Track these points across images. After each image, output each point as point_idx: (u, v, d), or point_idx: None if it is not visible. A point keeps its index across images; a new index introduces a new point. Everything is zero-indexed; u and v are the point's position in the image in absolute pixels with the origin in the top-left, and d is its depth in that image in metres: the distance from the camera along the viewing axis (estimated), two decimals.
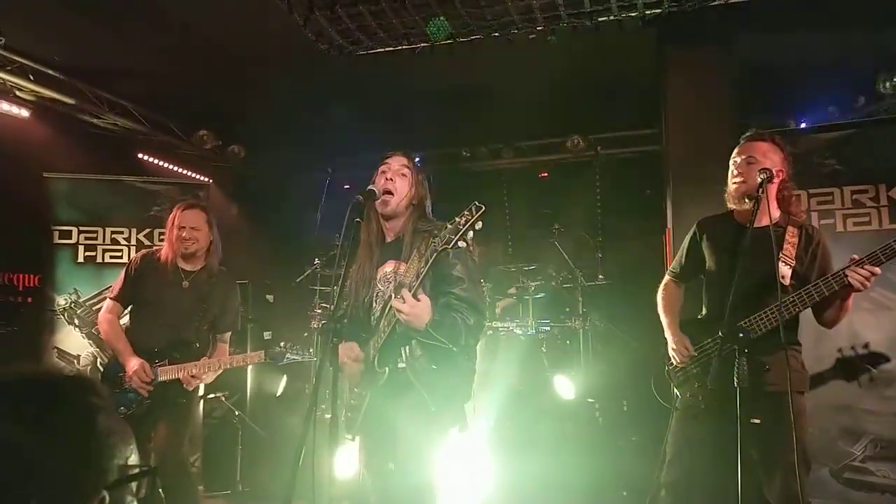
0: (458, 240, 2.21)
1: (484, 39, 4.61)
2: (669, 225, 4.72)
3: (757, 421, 2.61)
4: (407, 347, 2.49)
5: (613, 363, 5.50)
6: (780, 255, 2.76)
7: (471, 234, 2.22)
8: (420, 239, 2.56)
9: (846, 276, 2.58)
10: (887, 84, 4.92)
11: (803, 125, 5.43)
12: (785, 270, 2.74)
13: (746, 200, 2.84)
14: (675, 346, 2.94)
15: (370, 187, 2.58)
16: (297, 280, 5.84)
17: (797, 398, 2.73)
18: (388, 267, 2.63)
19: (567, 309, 5.88)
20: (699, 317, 3.06)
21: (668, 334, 3.02)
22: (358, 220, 2.44)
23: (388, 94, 5.71)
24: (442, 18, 4.32)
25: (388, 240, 2.70)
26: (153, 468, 0.91)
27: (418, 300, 2.33)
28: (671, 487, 2.86)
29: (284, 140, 6.77)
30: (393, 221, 2.67)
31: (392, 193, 2.60)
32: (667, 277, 3.22)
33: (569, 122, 6.33)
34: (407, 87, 5.55)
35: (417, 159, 2.79)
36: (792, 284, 2.76)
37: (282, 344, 3.71)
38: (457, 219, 2.25)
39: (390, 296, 2.52)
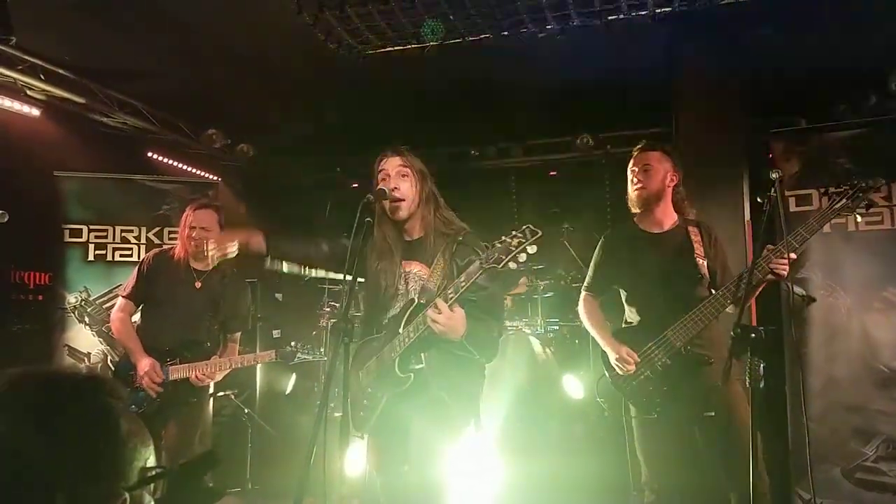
0: (509, 261, 2.16)
1: (493, 38, 4.60)
2: None
3: (712, 414, 2.78)
4: (425, 352, 2.46)
5: None
6: (695, 253, 2.98)
7: (523, 256, 2.17)
8: (443, 242, 2.53)
9: (771, 266, 2.76)
10: None
11: (815, 124, 5.39)
12: (703, 268, 2.96)
13: (649, 205, 3.08)
14: (618, 357, 2.99)
15: (380, 186, 2.57)
16: (306, 278, 5.84)
17: (738, 388, 2.86)
18: (410, 268, 2.60)
19: (577, 308, 5.85)
20: (626, 325, 3.15)
21: (605, 346, 3.08)
22: (369, 219, 2.43)
23: (396, 93, 5.70)
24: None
25: (408, 238, 2.65)
26: (170, 469, 0.90)
27: (453, 312, 2.29)
28: (653, 490, 2.97)
29: (293, 139, 6.78)
30: (410, 221, 2.63)
31: (402, 199, 2.57)
32: (583, 294, 3.31)
33: (578, 120, 6.31)
34: (415, 86, 5.54)
35: (407, 149, 2.68)
36: (710, 280, 2.96)
37: (292, 343, 3.72)
38: (507, 238, 2.18)
39: (413, 299, 2.50)
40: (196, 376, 3.43)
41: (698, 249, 2.99)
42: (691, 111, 4.67)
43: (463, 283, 2.28)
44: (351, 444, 2.80)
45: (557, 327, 5.81)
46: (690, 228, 3.06)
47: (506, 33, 4.56)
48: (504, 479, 4.32)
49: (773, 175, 2.80)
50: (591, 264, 3.29)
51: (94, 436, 0.90)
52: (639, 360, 2.94)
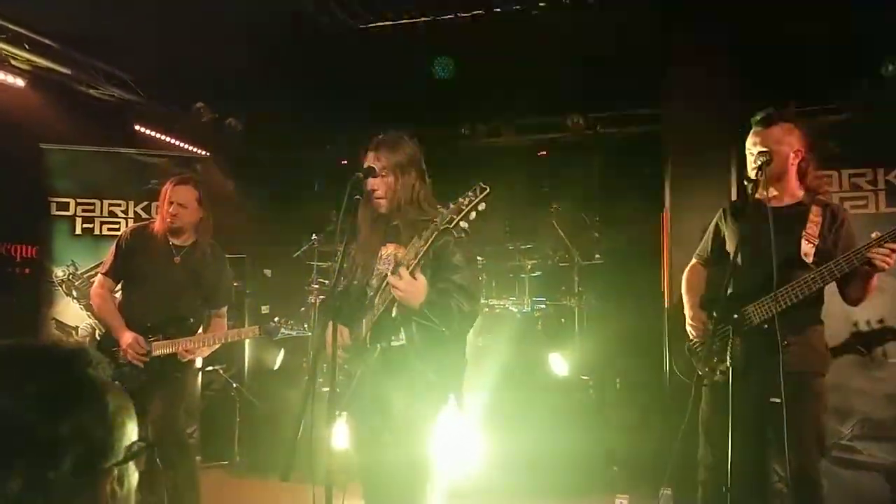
0: (461, 220, 2.18)
1: (485, 15, 4.57)
2: (667, 205, 4.73)
3: (777, 400, 2.64)
4: (403, 328, 2.48)
5: (607, 341, 5.54)
6: (804, 233, 2.78)
7: (473, 214, 2.18)
8: (423, 226, 2.55)
9: (867, 254, 2.58)
10: (890, 67, 4.87)
11: (805, 108, 5.40)
12: (808, 248, 2.76)
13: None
14: (692, 322, 2.99)
15: (368, 165, 2.57)
16: (296, 254, 5.84)
17: (818, 379, 2.80)
18: (388, 250, 2.62)
19: (563, 287, 5.91)
20: (724, 294, 2.98)
21: (686, 310, 3.05)
22: (358, 196, 2.43)
23: (387, 70, 5.65)
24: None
25: (386, 218, 2.64)
26: (152, 443, 0.92)
27: (415, 279, 2.32)
28: (707, 467, 2.92)
29: (283, 114, 6.72)
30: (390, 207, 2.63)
31: (382, 198, 2.56)
32: (693, 261, 3.22)
33: (569, 100, 6.29)
34: (406, 63, 5.50)
35: (382, 143, 2.63)
36: (815, 262, 2.75)
37: (276, 319, 3.71)
38: (460, 199, 2.21)
39: (387, 274, 2.52)
40: (180, 352, 3.42)
41: (811, 229, 2.79)
42: (681, 92, 4.67)
43: (422, 246, 2.28)
44: (338, 418, 2.82)
45: (544, 306, 5.86)
46: (814, 207, 2.83)
47: (498, 10, 4.53)
48: (487, 453, 4.38)
49: (760, 160, 2.80)
50: (707, 233, 3.17)
51: (84, 410, 0.90)
52: (710, 328, 2.83)
